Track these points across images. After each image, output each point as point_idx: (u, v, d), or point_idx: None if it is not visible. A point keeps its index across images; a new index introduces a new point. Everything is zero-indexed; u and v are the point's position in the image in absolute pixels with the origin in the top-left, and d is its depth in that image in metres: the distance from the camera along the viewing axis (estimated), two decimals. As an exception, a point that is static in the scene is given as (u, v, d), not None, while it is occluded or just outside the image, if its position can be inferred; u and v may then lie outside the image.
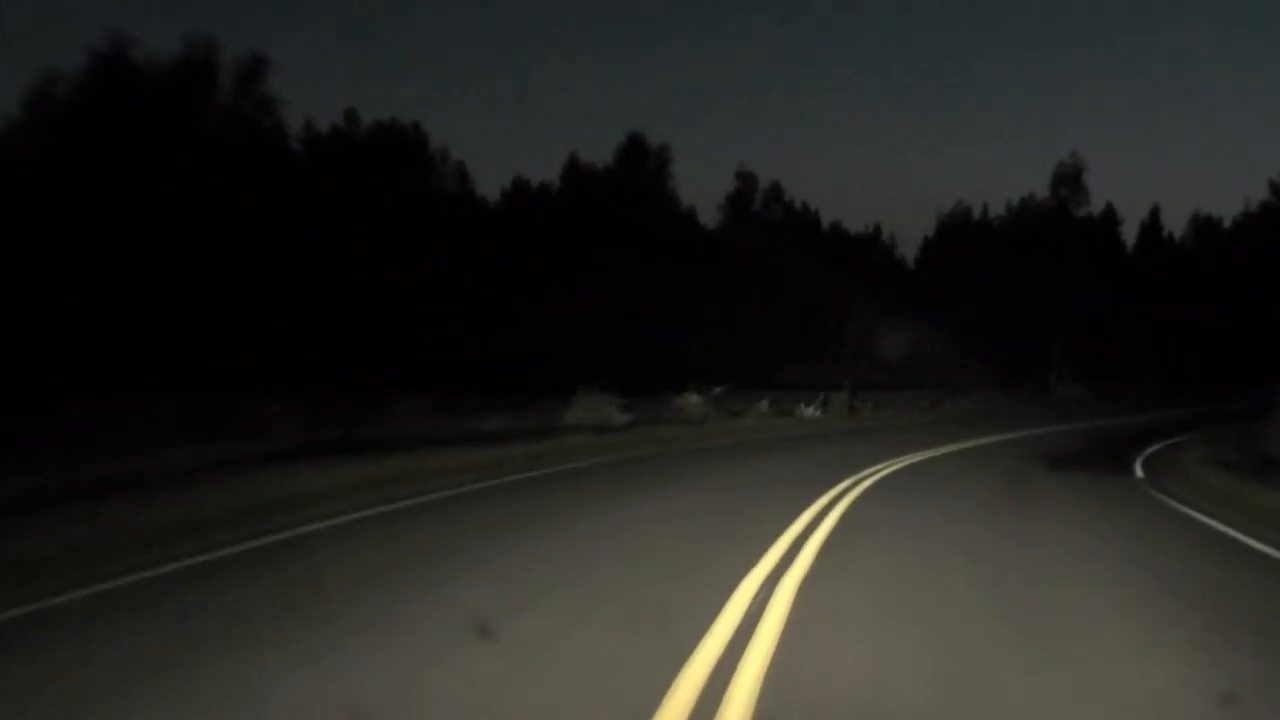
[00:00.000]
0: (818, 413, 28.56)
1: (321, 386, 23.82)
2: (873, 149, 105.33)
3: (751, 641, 4.71)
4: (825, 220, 64.45)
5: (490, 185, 69.72)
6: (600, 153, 50.86)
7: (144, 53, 32.01)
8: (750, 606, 5.35)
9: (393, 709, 3.89)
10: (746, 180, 57.82)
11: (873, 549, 7.48)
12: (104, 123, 29.57)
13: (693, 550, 7.26)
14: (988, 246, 60.18)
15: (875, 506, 9.90)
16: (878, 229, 68.42)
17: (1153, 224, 67.82)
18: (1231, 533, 8.94)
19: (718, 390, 25.78)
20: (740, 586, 5.83)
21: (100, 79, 31.04)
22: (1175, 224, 72.79)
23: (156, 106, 30.91)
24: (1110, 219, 64.25)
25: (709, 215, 57.15)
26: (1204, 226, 67.98)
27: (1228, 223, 67.96)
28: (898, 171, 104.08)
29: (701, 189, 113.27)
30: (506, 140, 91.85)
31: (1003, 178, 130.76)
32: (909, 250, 70.07)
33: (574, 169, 50.99)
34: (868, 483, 11.96)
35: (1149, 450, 19.56)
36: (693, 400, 24.41)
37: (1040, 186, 62.21)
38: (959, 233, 64.16)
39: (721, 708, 3.82)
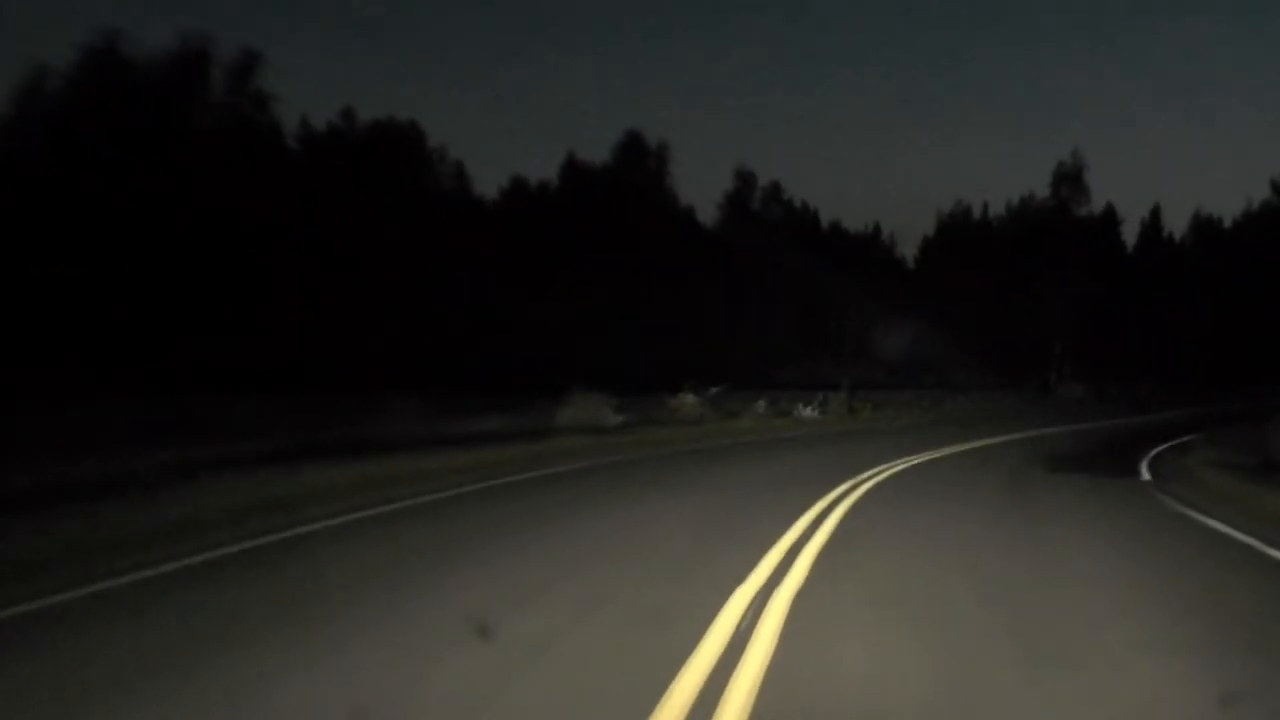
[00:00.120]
0: (816, 413, 28.39)
1: (311, 386, 23.78)
2: (872, 148, 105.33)
3: (748, 647, 4.70)
4: (825, 219, 64.47)
5: (488, 184, 69.67)
6: (599, 152, 50.79)
7: (136, 48, 31.85)
8: (744, 616, 5.24)
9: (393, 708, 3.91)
10: (745, 179, 57.76)
11: (872, 554, 7.40)
12: (96, 119, 29.37)
13: (683, 559, 7.09)
14: (988, 246, 60.11)
15: (874, 510, 9.73)
16: (877, 228, 68.47)
17: (1153, 223, 67.81)
18: (1243, 538, 8.78)
19: (714, 390, 25.43)
20: (735, 593, 5.72)
21: (92, 75, 30.87)
22: (1176, 223, 72.95)
23: (149, 103, 30.72)
24: (1110, 218, 64.19)
25: (708, 214, 57.13)
26: (1204, 226, 67.97)
27: (1228, 222, 68.08)
28: (897, 171, 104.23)
29: (700, 188, 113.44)
30: (505, 139, 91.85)
31: (1003, 177, 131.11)
32: (909, 250, 70.15)
33: (572, 167, 50.88)
34: (868, 485, 11.81)
35: (1153, 452, 19.40)
36: (688, 400, 24.14)
37: (1040, 186, 62.17)
38: (959, 232, 64.08)
39: (719, 710, 3.82)
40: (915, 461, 15.52)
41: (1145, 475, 15.11)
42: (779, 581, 6.07)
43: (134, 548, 6.93)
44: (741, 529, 8.33)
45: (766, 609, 5.36)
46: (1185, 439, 22.52)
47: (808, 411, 28.24)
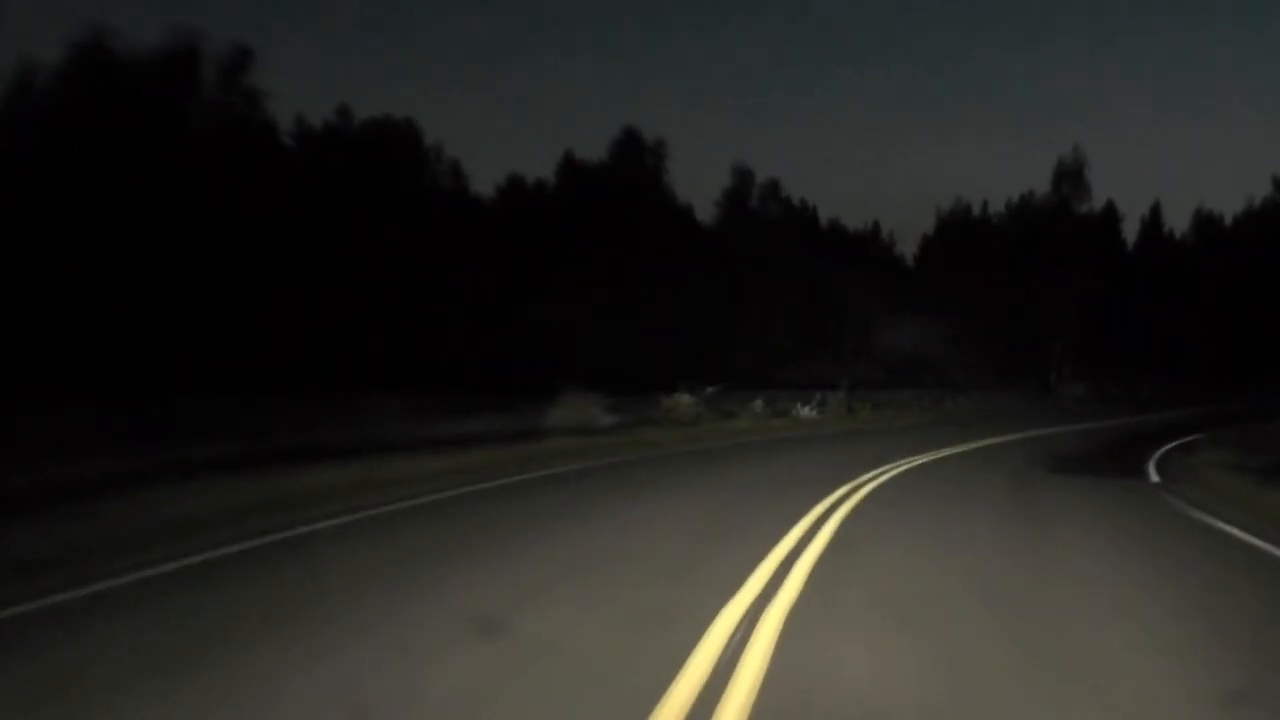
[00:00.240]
0: (814, 413, 28.16)
1: (306, 386, 23.69)
2: (872, 148, 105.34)
3: (744, 655, 4.67)
4: (824, 217, 64.43)
5: (485, 183, 69.51)
6: (597, 151, 50.60)
7: (126, 45, 31.63)
8: (738, 626, 5.05)
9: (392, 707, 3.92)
10: (743, 176, 57.55)
11: (870, 562, 7.27)
12: (87, 116, 29.15)
13: (673, 571, 6.67)
14: (988, 244, 60.01)
15: (873, 515, 9.45)
16: (876, 226, 68.37)
17: (1153, 221, 67.66)
18: (1261, 544, 8.60)
19: (710, 390, 25.08)
20: (730, 603, 5.57)
21: (82, 71, 30.67)
22: (1176, 221, 72.85)
23: (140, 100, 30.53)
24: (1111, 216, 64.04)
25: (707, 213, 57.05)
26: (1205, 224, 67.83)
27: (1229, 220, 67.97)
28: (897, 171, 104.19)
29: (700, 188, 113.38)
30: (503, 139, 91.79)
31: (1002, 176, 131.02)
32: (908, 248, 70.07)
33: (570, 165, 50.74)
34: (868, 487, 11.64)
35: (1158, 452, 19.21)
36: (684, 400, 23.80)
37: (1040, 185, 62.12)
38: (958, 230, 63.97)
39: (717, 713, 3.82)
40: (916, 463, 15.34)
41: (1153, 476, 14.88)
42: (776, 589, 5.99)
43: (133, 548, 6.93)
44: (739, 530, 8.32)
45: (763, 617, 5.28)
46: (1189, 439, 22.40)
47: (806, 411, 28.03)
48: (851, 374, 36.35)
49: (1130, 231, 66.80)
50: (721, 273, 46.82)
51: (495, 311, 37.56)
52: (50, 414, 15.92)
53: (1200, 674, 4.53)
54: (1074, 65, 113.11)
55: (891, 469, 13.97)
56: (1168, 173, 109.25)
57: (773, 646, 4.67)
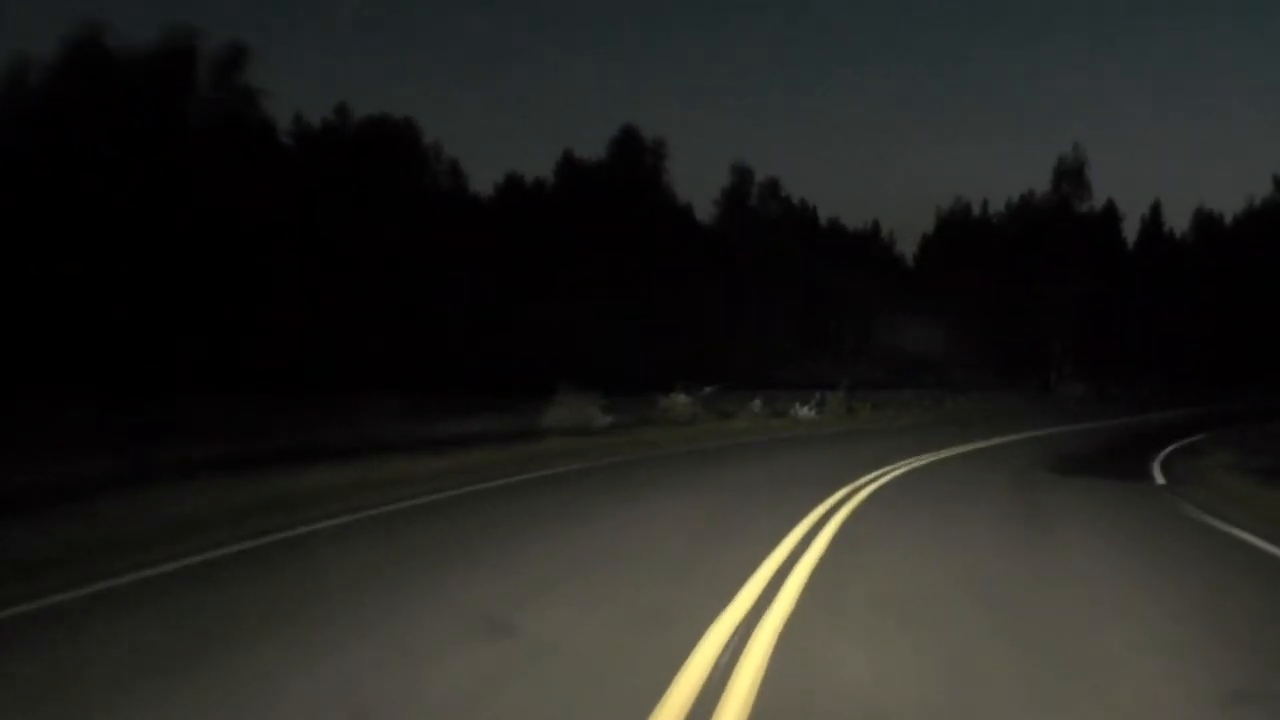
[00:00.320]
0: (813, 413, 27.96)
1: (303, 386, 23.59)
2: (872, 148, 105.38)
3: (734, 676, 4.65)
4: (823, 217, 64.38)
5: (486, 183, 69.47)
6: (597, 151, 50.51)
7: (121, 42, 31.56)
8: (727, 644, 4.75)
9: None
10: (743, 175, 57.47)
11: (871, 563, 7.16)
12: (81, 114, 29.02)
13: (672, 572, 6.57)
14: (988, 243, 59.90)
15: (874, 517, 9.22)
16: (876, 226, 68.30)
17: (1153, 220, 67.55)
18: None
19: (707, 390, 24.88)
20: (728, 607, 5.49)
21: (76, 68, 30.57)
22: (1176, 220, 72.74)
23: (135, 97, 30.42)
24: (1111, 215, 63.92)
25: (706, 212, 56.99)
26: (1205, 223, 67.70)
27: (1229, 219, 67.87)
28: (897, 169, 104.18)
29: (700, 187, 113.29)
30: (503, 139, 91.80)
31: (1002, 176, 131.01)
32: (908, 247, 70.01)
33: (568, 164, 50.64)
34: (868, 490, 11.42)
35: (1161, 453, 18.94)
36: (681, 400, 23.62)
37: (1040, 185, 62.05)
38: (958, 230, 63.86)
39: None
40: (916, 464, 15.16)
41: (1157, 478, 14.60)
42: (774, 593, 5.89)
43: (133, 547, 6.93)
44: (737, 531, 8.28)
45: (760, 623, 5.20)
46: (1192, 439, 22.22)
47: (804, 412, 27.82)
48: (851, 374, 36.26)
49: (1130, 231, 66.90)
50: (721, 272, 46.74)
51: (494, 311, 37.45)
52: (48, 414, 15.86)
53: (1201, 675, 4.51)
54: (1074, 65, 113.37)
55: (891, 470, 13.84)
56: (1168, 172, 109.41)
57: (768, 658, 4.53)
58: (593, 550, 7.49)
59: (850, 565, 6.85)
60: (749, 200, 57.66)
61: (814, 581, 6.22)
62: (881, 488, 11.75)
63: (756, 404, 26.52)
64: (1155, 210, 67.69)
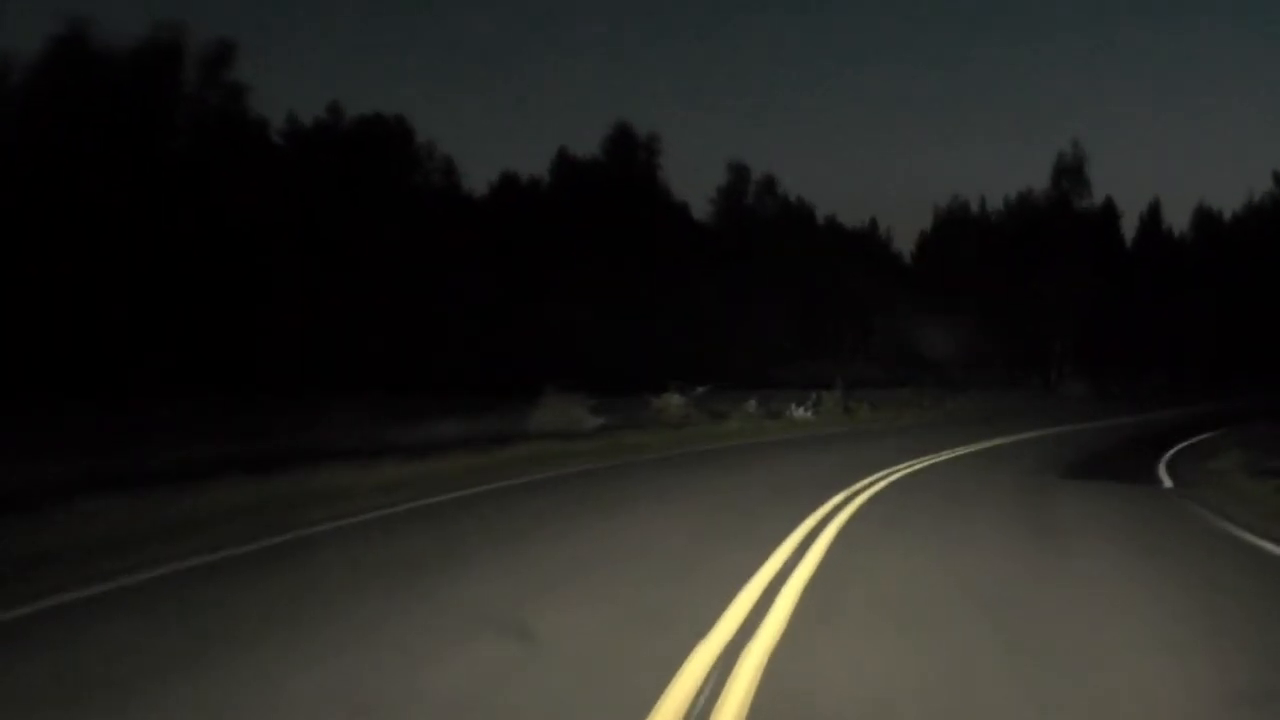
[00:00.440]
0: (809, 413, 27.09)
1: (260, 388, 23.09)
2: (871, 147, 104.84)
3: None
4: (820, 214, 63.48)
5: (480, 181, 68.60)
6: (592, 148, 49.64)
7: (106, 38, 30.98)
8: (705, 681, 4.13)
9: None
10: (739, 172, 56.64)
11: (867, 594, 6.15)
12: (66, 111, 28.41)
13: (632, 612, 5.48)
14: (986, 240, 59.14)
15: (868, 536, 8.02)
16: (874, 223, 67.50)
17: (1152, 218, 66.84)
18: None
19: (700, 390, 23.93)
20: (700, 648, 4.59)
21: (59, 65, 29.83)
22: (1175, 218, 71.97)
23: (120, 93, 29.71)
24: (1110, 213, 63.16)
25: (702, 210, 56.14)
26: (1205, 221, 66.98)
27: (1227, 216, 67.10)
28: (896, 169, 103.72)
29: (700, 188, 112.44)
30: (503, 138, 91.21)
31: (1002, 176, 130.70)
32: (906, 245, 69.30)
33: (563, 162, 49.86)
34: (863, 497, 10.40)
35: (1168, 453, 18.22)
36: (673, 401, 22.66)
37: (1038, 182, 61.28)
38: (956, 227, 63.04)
39: None
40: (915, 467, 14.28)
41: (1166, 480, 13.86)
42: (755, 627, 4.95)
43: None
44: (708, 558, 7.21)
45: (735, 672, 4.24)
46: (1198, 439, 21.70)
47: (800, 412, 26.95)
48: (849, 373, 35.22)
49: (1129, 229, 66.16)
50: (718, 271, 45.98)
51: (490, 311, 36.81)
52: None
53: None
54: (1074, 65, 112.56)
55: (889, 474, 12.87)
56: (1166, 171, 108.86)
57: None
58: (518, 593, 5.97)
59: (838, 607, 5.66)
60: (745, 198, 56.85)
61: (793, 627, 5.06)
62: (876, 496, 10.71)
63: (751, 404, 25.58)
64: (1154, 208, 67.16)
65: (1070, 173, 57.65)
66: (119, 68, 30.98)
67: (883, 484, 11.82)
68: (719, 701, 3.88)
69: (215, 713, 3.86)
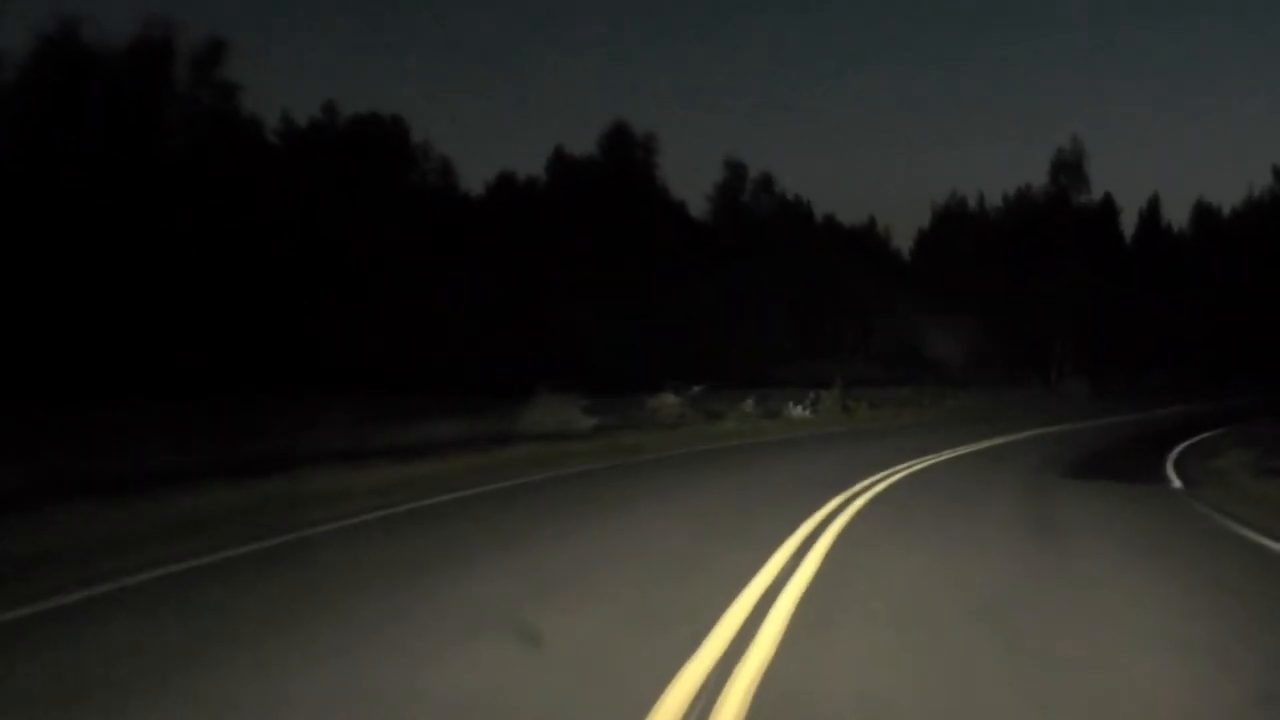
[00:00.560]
0: (807, 412, 26.87)
1: (259, 388, 23.00)
2: (870, 147, 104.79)
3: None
4: (818, 212, 63.38)
5: (477, 181, 68.38)
6: (589, 148, 49.53)
7: (97, 36, 30.85)
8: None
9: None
10: (735, 170, 56.47)
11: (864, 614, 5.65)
12: (55, 109, 28.30)
13: (632, 613, 5.41)
14: (985, 236, 59.02)
15: (867, 546, 7.54)
16: (872, 221, 67.40)
17: (1151, 214, 66.73)
18: None
19: (696, 389, 23.69)
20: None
21: (49, 63, 29.71)
22: (1175, 214, 71.87)
23: (111, 92, 29.60)
24: (1109, 209, 63.02)
25: (699, 208, 56.03)
26: (1204, 216, 66.87)
27: (1227, 212, 66.98)
28: (896, 169, 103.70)
29: (697, 186, 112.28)
30: (503, 139, 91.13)
31: (1000, 172, 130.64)
32: (904, 243, 69.16)
33: (560, 161, 49.77)
34: (860, 501, 10.13)
35: (1174, 452, 18.02)
36: (668, 401, 22.42)
37: (1037, 179, 61.14)
38: (955, 224, 62.91)
39: None
40: (916, 468, 14.10)
41: (1174, 480, 13.58)
42: (753, 632, 4.93)
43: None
44: (725, 544, 7.16)
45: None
46: (1202, 436, 21.53)
47: (798, 411, 26.71)
48: (848, 371, 35.12)
49: (1128, 225, 66.04)
50: (717, 270, 45.88)
51: (487, 310, 36.74)
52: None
53: None
54: (1074, 65, 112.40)
55: (889, 475, 12.71)
56: (1165, 167, 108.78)
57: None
58: (518, 594, 5.91)
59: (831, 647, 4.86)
60: (742, 195, 56.72)
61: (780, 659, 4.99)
62: (877, 499, 10.50)
63: (748, 404, 25.39)
64: (1153, 204, 67.01)
65: (1069, 168, 57.46)
66: (110, 66, 30.83)
67: (882, 485, 11.64)
68: (719, 702, 3.89)
69: (216, 713, 3.87)
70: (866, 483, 11.68)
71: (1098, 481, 13.21)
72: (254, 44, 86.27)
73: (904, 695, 4.09)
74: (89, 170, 27.66)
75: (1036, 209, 58.26)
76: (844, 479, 11.75)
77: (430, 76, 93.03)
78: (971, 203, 64.92)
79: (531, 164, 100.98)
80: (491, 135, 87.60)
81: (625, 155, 48.45)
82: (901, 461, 14.53)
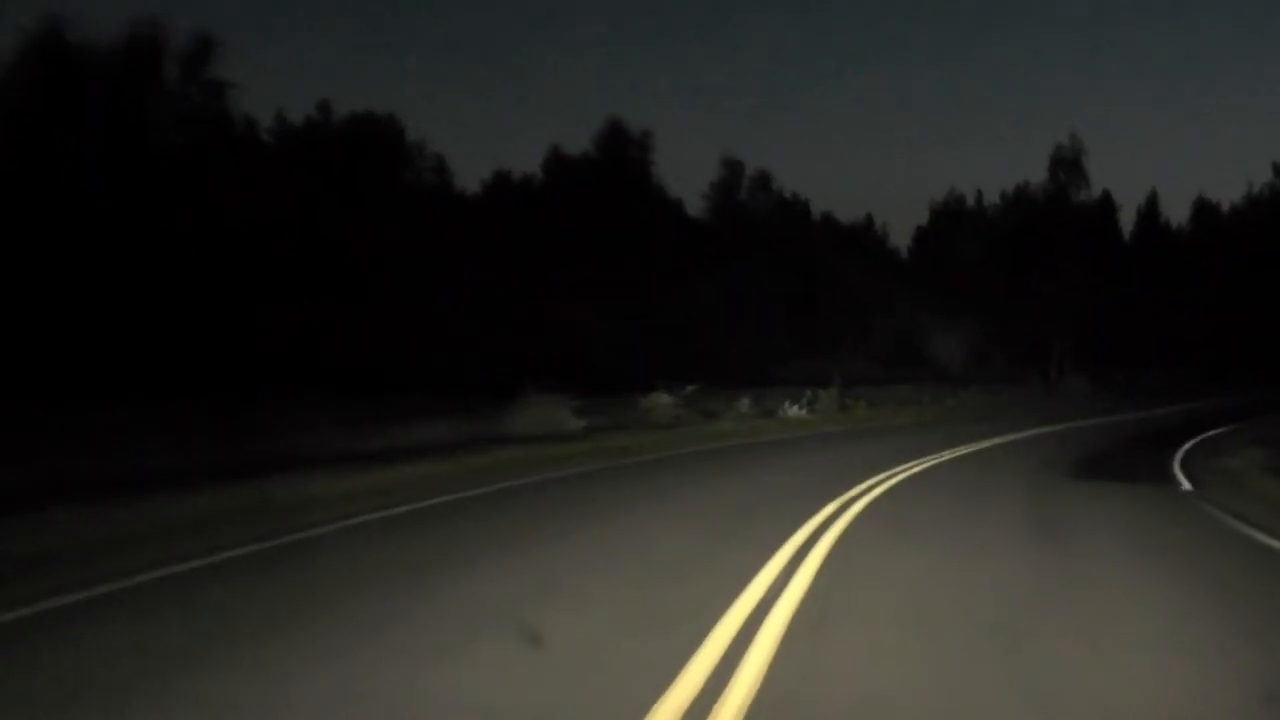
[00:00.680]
0: (804, 412, 26.45)
1: (258, 388, 22.90)
2: (869, 146, 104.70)
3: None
4: (816, 210, 63.25)
5: (473, 179, 68.45)
6: (586, 146, 49.42)
7: (85, 35, 30.48)
8: None
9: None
10: (732, 168, 56.28)
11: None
12: (42, 109, 28.15)
13: (632, 613, 5.36)
14: (983, 233, 58.97)
15: (862, 557, 7.12)
16: (870, 219, 67.29)
17: (1150, 211, 66.66)
18: None
19: (690, 389, 23.23)
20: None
21: (35, 63, 29.54)
22: (1174, 211, 71.87)
23: (100, 91, 29.47)
24: (1108, 206, 62.94)
25: (696, 207, 55.91)
26: (1203, 213, 66.82)
27: (1225, 208, 67.00)
28: (893, 166, 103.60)
29: (696, 186, 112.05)
30: (502, 138, 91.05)
31: (1000, 171, 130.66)
32: (902, 241, 69.08)
33: (556, 159, 49.68)
34: (857, 506, 9.81)
35: (1179, 452, 17.82)
36: (662, 401, 22.07)
37: (1035, 177, 61.04)
38: (953, 222, 62.84)
39: None
40: (917, 469, 13.92)
41: (1183, 482, 13.33)
42: (754, 632, 4.90)
43: None
44: (725, 544, 7.15)
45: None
46: (1207, 435, 21.39)
47: (795, 411, 26.23)
48: (846, 369, 35.00)
49: (1127, 222, 66.01)
50: (714, 268, 45.78)
51: (484, 309, 36.64)
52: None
53: None
54: (1074, 64, 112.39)
55: (888, 478, 12.52)
56: (1163, 164, 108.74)
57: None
58: (518, 594, 5.79)
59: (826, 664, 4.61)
60: (739, 193, 56.58)
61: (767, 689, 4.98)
62: (874, 504, 10.19)
63: (744, 403, 25.05)
64: (1152, 201, 66.92)
65: (1068, 164, 57.33)
66: (99, 64, 30.65)
67: (882, 488, 11.43)
68: (719, 702, 3.89)
69: (216, 714, 3.87)
70: (867, 484, 11.56)
71: (1101, 482, 13.06)
72: (252, 44, 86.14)
73: (905, 696, 4.10)
74: (85, 169, 27.56)
75: (1035, 206, 58.11)
76: (844, 480, 11.65)
77: (429, 76, 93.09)
78: (970, 200, 64.92)
79: (529, 163, 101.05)
80: (490, 135, 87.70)
81: (620, 153, 48.34)
82: (902, 462, 14.39)
